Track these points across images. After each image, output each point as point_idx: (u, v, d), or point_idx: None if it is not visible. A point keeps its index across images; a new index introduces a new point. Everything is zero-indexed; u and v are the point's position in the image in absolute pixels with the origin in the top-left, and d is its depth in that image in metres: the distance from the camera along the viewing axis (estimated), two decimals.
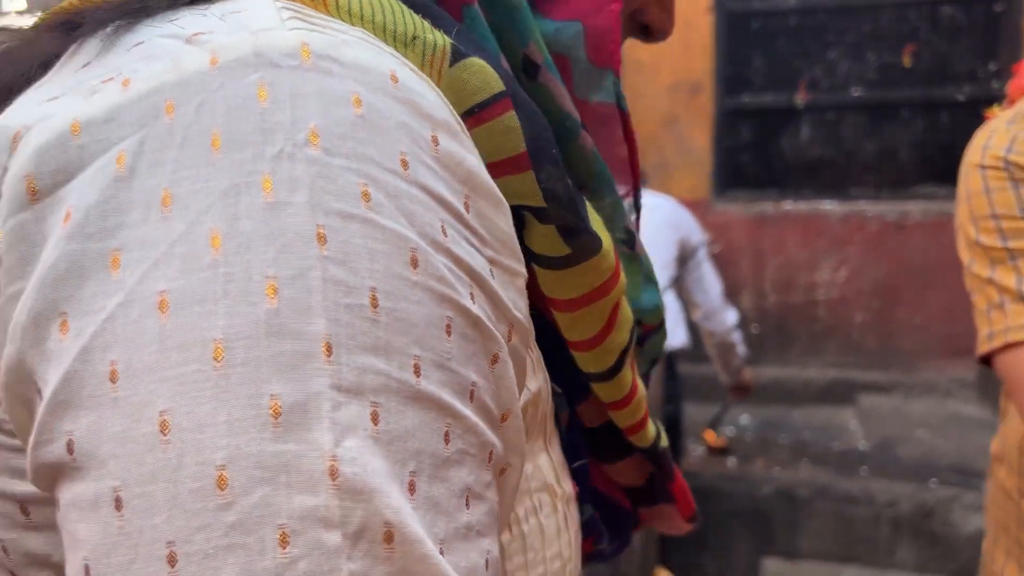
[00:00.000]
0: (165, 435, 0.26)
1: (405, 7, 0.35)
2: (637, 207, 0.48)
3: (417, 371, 0.29)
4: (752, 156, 4.72)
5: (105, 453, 0.27)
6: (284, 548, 0.26)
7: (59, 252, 0.28)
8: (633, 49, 4.67)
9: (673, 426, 2.91)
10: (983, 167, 0.96)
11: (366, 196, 0.29)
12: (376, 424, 0.28)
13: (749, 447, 3.46)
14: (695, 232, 3.05)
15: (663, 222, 2.88)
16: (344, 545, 0.26)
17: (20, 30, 0.39)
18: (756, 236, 4.56)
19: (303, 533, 0.26)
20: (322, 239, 0.28)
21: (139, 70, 0.30)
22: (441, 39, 0.35)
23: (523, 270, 0.36)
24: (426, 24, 0.35)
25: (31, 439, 0.29)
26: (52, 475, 0.29)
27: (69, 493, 0.28)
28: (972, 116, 3.99)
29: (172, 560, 0.26)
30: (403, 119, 0.31)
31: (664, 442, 0.55)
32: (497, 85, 0.35)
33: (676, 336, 2.84)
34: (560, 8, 0.42)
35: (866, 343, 4.30)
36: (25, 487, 0.32)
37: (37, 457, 0.29)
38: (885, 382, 4.13)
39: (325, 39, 0.31)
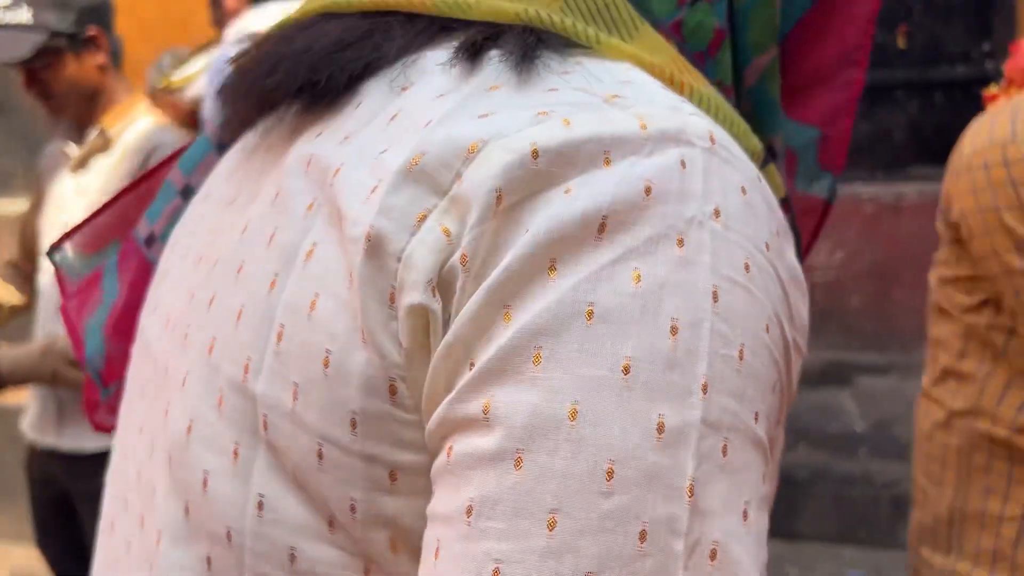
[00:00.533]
0: (572, 421, 0.32)
1: (731, 109, 0.41)
2: None
3: (756, 418, 0.35)
4: None
5: (517, 420, 0.32)
6: (641, 543, 0.30)
7: (515, 255, 0.34)
8: None
9: None
10: None
11: (747, 268, 0.35)
12: (725, 456, 0.33)
13: None
14: None
15: None
16: (683, 554, 0.31)
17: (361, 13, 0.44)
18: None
19: (658, 535, 0.31)
20: (715, 297, 0.34)
21: (574, 115, 0.36)
22: (759, 145, 0.41)
23: (805, 352, 0.41)
24: (747, 127, 0.41)
25: (449, 397, 0.34)
26: (451, 428, 0.34)
27: (468, 444, 0.33)
28: (966, 97, 3.99)
29: (552, 525, 0.31)
30: (764, 211, 0.38)
31: None
32: (783, 190, 0.42)
33: None
34: (802, 112, 0.49)
35: (863, 325, 4.31)
36: (402, 456, 0.36)
37: (450, 411, 0.34)
38: (882, 363, 4.14)
39: (722, 132, 0.38)
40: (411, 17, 0.43)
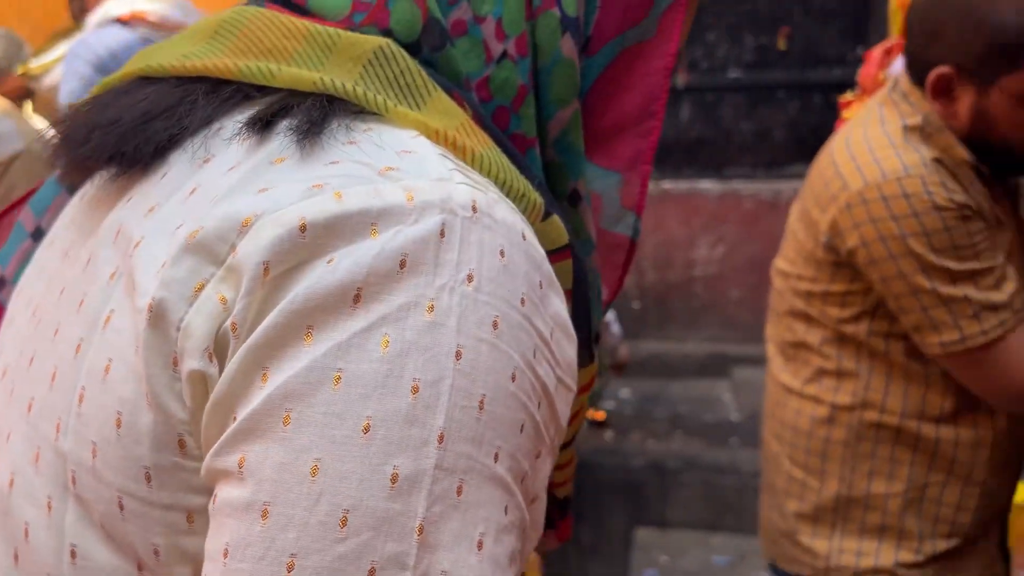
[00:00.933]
0: (314, 477, 0.36)
1: (513, 167, 0.45)
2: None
3: (496, 458, 0.38)
4: None
5: (265, 475, 0.36)
6: None
7: (274, 321, 0.37)
8: None
9: None
10: (938, 208, 1.19)
11: (495, 325, 0.39)
12: (459, 496, 0.37)
13: (627, 420, 3.51)
14: None
15: None
16: None
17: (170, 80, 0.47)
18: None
19: (386, 570, 0.35)
20: (459, 356, 0.38)
21: (346, 189, 0.39)
22: (538, 198, 0.45)
23: (575, 388, 0.46)
24: (527, 184, 0.45)
25: (212, 450, 0.38)
26: (214, 478, 0.38)
27: (227, 494, 0.37)
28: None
29: (291, 567, 0.35)
30: (527, 268, 0.41)
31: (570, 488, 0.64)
32: (564, 238, 0.46)
33: None
34: (606, 159, 0.53)
35: (741, 317, 4.42)
36: (196, 499, 0.40)
37: (213, 463, 0.38)
38: (758, 355, 4.26)
39: (485, 198, 0.41)
40: (218, 84, 0.46)
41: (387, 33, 0.47)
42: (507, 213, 0.42)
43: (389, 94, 0.45)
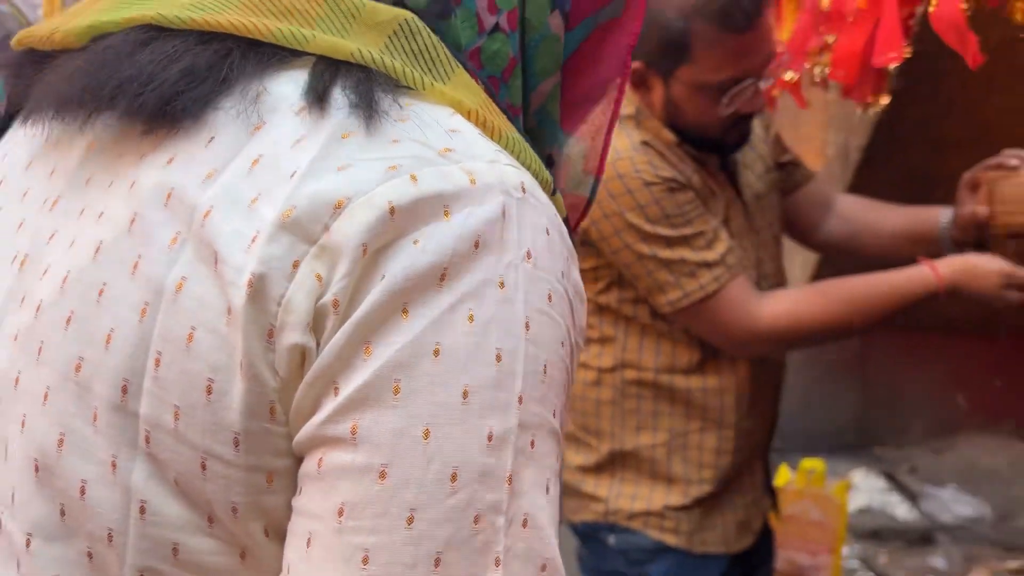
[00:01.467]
0: (426, 440, 0.40)
1: (528, 145, 0.48)
2: None
3: (555, 414, 0.45)
4: None
5: (381, 440, 0.40)
6: (475, 524, 0.40)
7: (374, 299, 0.41)
8: None
9: None
10: (647, 184, 1.35)
11: (550, 298, 0.44)
12: (532, 448, 0.43)
13: None
14: None
15: None
16: (504, 526, 0.41)
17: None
18: None
19: (487, 517, 0.41)
20: (527, 327, 0.43)
21: (419, 171, 0.42)
22: (550, 178, 0.49)
23: (583, 346, 0.53)
24: (540, 161, 0.49)
25: (319, 419, 0.41)
26: (320, 444, 0.41)
27: (338, 459, 0.41)
28: None
29: (410, 520, 0.40)
30: (560, 244, 0.46)
31: None
32: (564, 213, 0.50)
33: None
34: (573, 127, 0.58)
35: None
36: (278, 462, 0.43)
37: (320, 430, 0.41)
38: None
39: (529, 179, 0.46)
40: (251, 43, 0.45)
41: (400, 3, 0.48)
42: (543, 195, 0.47)
43: (420, 66, 0.47)
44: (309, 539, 0.41)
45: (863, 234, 1.58)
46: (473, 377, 0.41)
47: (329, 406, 0.41)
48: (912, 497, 2.69)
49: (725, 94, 1.30)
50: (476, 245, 0.42)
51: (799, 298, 1.47)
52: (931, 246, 1.46)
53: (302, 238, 0.41)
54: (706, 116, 1.34)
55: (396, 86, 0.45)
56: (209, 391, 0.42)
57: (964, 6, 1.00)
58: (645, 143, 1.37)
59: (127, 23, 0.47)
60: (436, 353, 0.41)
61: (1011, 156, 1.38)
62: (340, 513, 0.40)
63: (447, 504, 0.40)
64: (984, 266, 1.33)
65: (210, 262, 0.42)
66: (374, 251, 0.41)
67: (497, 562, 0.41)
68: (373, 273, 0.41)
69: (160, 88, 0.44)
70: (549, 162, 0.56)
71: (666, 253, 1.35)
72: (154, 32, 0.46)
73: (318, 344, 0.41)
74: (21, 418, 0.47)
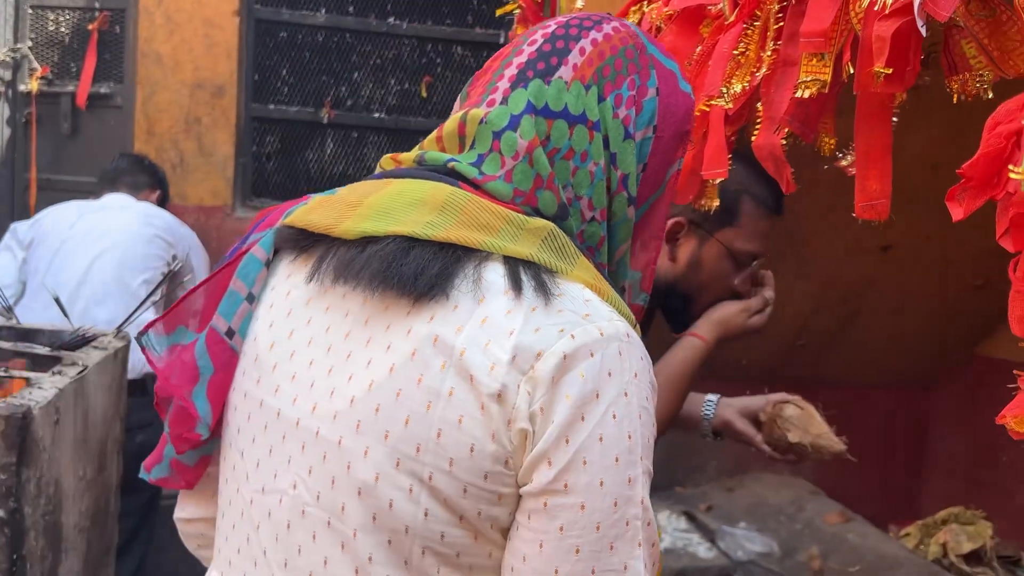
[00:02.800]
0: (601, 487, 0.74)
1: (620, 299, 0.83)
2: None
3: (651, 462, 0.79)
4: (277, 165, 4.70)
5: (580, 489, 0.74)
6: (627, 526, 0.76)
7: (565, 412, 0.74)
8: (151, 42, 4.38)
9: (144, 455, 2.73)
10: None
11: (648, 399, 0.78)
12: (647, 482, 0.78)
13: None
14: (193, 249, 2.96)
15: (160, 232, 2.75)
16: (641, 526, 0.77)
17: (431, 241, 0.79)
18: None
19: (632, 523, 0.76)
20: (641, 417, 0.77)
21: (575, 330, 0.75)
22: (632, 316, 0.83)
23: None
24: (626, 306, 0.83)
25: (547, 480, 0.74)
26: (545, 492, 0.75)
27: (557, 500, 0.74)
28: None
29: (598, 528, 0.74)
30: (647, 366, 0.80)
31: None
32: (639, 331, 0.84)
33: None
34: (634, 263, 0.93)
35: None
36: (505, 489, 0.77)
37: (547, 486, 0.75)
38: None
39: (629, 328, 0.79)
40: (467, 248, 0.78)
41: (537, 211, 0.82)
42: (635, 334, 0.80)
43: (561, 257, 0.80)
44: (541, 544, 0.74)
45: None
46: (619, 449, 0.74)
47: (548, 473, 0.74)
48: (710, 536, 2.89)
49: (743, 266, 1.52)
50: (609, 374, 0.75)
51: None
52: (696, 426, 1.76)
53: (519, 372, 0.74)
54: (720, 281, 1.53)
55: (551, 272, 0.78)
56: (472, 449, 0.74)
57: (782, 140, 1.13)
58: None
59: (391, 233, 0.78)
60: (600, 439, 0.74)
61: (790, 397, 1.71)
62: (561, 529, 0.74)
63: (613, 518, 0.74)
64: (727, 311, 1.56)
65: (467, 379, 0.74)
66: (557, 380, 0.73)
67: (639, 544, 0.76)
68: (560, 393, 0.73)
69: (426, 276, 0.76)
70: (622, 291, 0.92)
71: None
72: (410, 242, 0.78)
73: (534, 432, 0.73)
74: (347, 464, 0.78)
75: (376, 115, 4.70)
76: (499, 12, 2.51)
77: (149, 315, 2.57)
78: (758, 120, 1.16)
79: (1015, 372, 0.72)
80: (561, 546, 0.73)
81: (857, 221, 1.03)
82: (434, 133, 0.89)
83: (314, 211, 0.85)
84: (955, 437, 3.48)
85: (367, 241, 0.79)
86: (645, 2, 1.59)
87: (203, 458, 0.94)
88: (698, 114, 1.27)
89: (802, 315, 3.25)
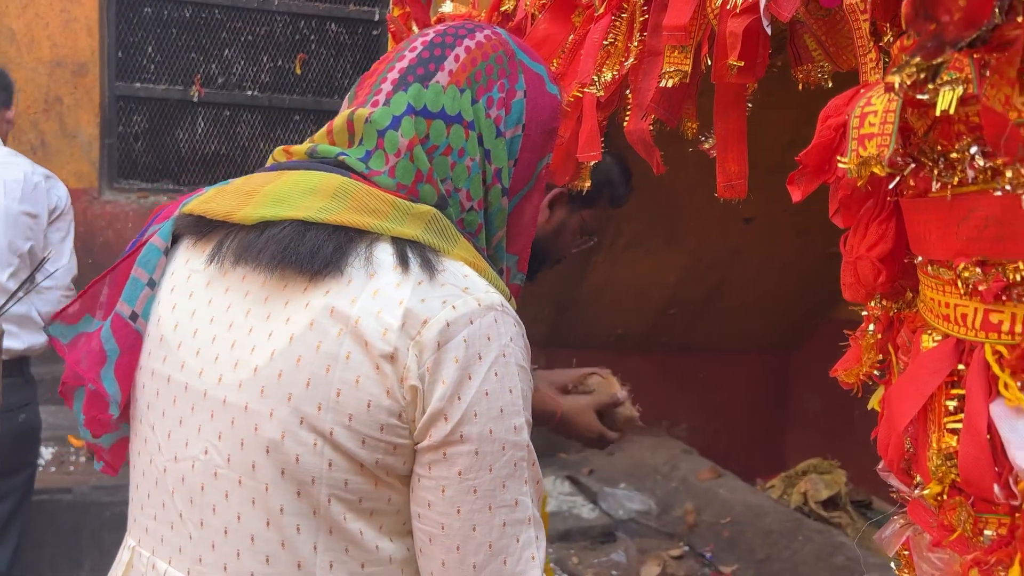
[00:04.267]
0: (491, 434, 0.84)
1: (495, 274, 0.92)
2: None
3: (530, 414, 0.90)
4: (146, 145, 4.55)
5: (474, 438, 0.83)
6: (515, 467, 0.86)
7: (454, 373, 0.83)
8: (3, 16, 4.15)
9: (30, 435, 2.67)
10: None
11: (523, 359, 0.88)
12: (528, 430, 0.89)
13: None
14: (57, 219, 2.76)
15: (28, 207, 2.62)
16: (527, 465, 0.88)
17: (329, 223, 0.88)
18: None
19: (519, 464, 0.86)
20: (519, 374, 0.87)
21: (456, 302, 0.84)
22: (507, 290, 0.92)
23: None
24: (501, 281, 0.92)
25: (444, 433, 0.83)
26: (444, 444, 0.84)
27: (455, 449, 0.83)
28: None
29: (491, 469, 0.85)
30: (519, 331, 0.89)
31: None
32: (514, 304, 0.94)
33: (30, 336, 2.58)
34: (511, 248, 1.03)
35: None
36: (399, 440, 0.85)
37: (445, 438, 0.84)
38: None
39: (502, 299, 0.88)
40: (358, 230, 0.86)
41: (417, 200, 0.91)
42: (508, 305, 0.89)
43: (443, 238, 0.89)
44: (443, 488, 0.84)
45: None
46: (503, 401, 0.84)
47: (445, 427, 0.82)
48: (593, 498, 3.03)
49: (584, 236, 1.85)
50: (488, 338, 0.84)
51: None
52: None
53: (408, 336, 0.82)
54: (568, 244, 1.83)
55: (435, 251, 0.87)
56: (368, 405, 0.82)
57: (650, 125, 1.22)
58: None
59: (288, 218, 0.86)
60: (487, 394, 0.84)
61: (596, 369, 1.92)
62: (459, 474, 0.83)
63: (503, 460, 0.84)
64: (584, 422, 1.82)
65: (362, 344, 0.82)
66: (443, 344, 0.82)
67: (525, 482, 0.86)
68: (447, 356, 0.82)
69: (321, 255, 0.84)
70: (501, 271, 1.01)
71: None
72: (306, 225, 0.85)
73: (423, 389, 0.82)
74: (255, 426, 0.85)
75: (249, 93, 4.61)
76: None
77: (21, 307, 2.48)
78: (628, 107, 1.25)
79: (845, 332, 0.83)
80: (461, 488, 0.83)
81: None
82: (325, 128, 0.95)
83: (213, 199, 0.93)
84: (813, 395, 3.75)
85: (265, 226, 0.86)
86: None
87: (120, 440, 1.02)
88: (572, 100, 1.35)
89: (672, 285, 3.42)
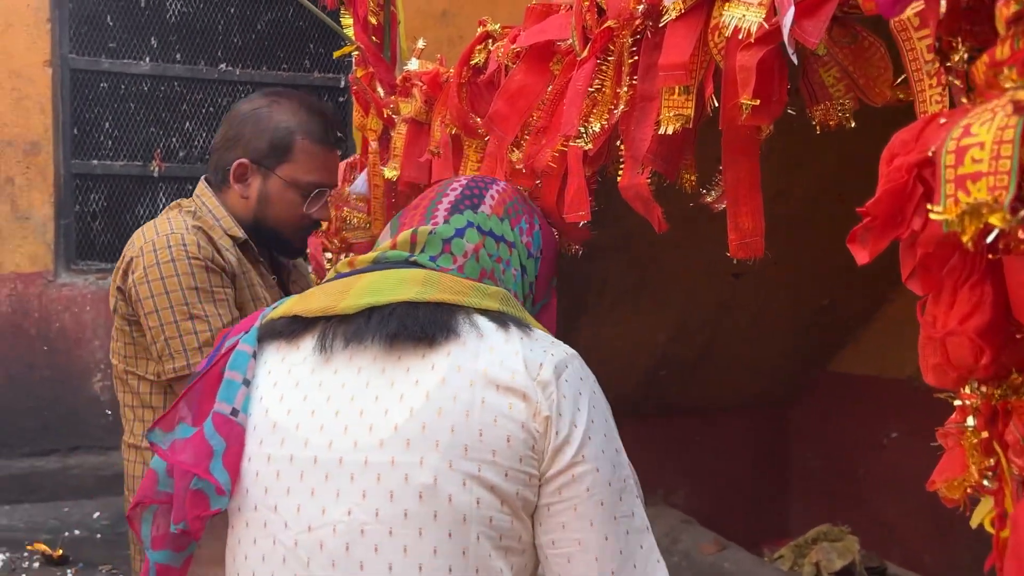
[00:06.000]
0: (604, 453, 1.01)
1: (545, 329, 1.12)
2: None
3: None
4: (104, 224, 4.37)
5: (590, 459, 0.98)
6: (624, 483, 1.00)
7: (568, 409, 0.99)
8: None
9: None
10: (191, 257, 1.60)
11: (602, 393, 1.06)
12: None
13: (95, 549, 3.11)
14: None
15: None
16: (634, 484, 1.03)
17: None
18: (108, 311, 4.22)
19: (627, 482, 1.02)
20: (607, 405, 1.05)
21: (554, 350, 1.02)
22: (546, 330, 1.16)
23: None
24: (547, 332, 1.12)
25: (568, 457, 0.97)
26: (569, 467, 0.97)
27: (579, 469, 0.97)
28: None
29: (610, 484, 0.99)
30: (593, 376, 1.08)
31: None
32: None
33: None
34: (543, 316, 1.25)
35: None
36: (532, 471, 0.97)
37: (571, 460, 0.97)
38: None
39: (570, 349, 1.05)
40: (456, 305, 1.03)
41: (463, 275, 1.09)
42: (573, 350, 1.05)
43: (519, 312, 1.06)
44: (575, 507, 0.95)
45: None
46: (605, 427, 0.99)
47: (570, 451, 0.95)
48: None
49: (310, 196, 1.69)
50: (581, 378, 1.00)
51: None
52: None
53: (531, 378, 0.96)
54: (290, 211, 1.71)
55: (517, 319, 1.03)
56: (508, 440, 0.95)
57: (647, 179, 1.07)
58: (198, 228, 1.64)
59: (393, 301, 1.01)
60: (593, 421, 0.97)
61: None
62: (587, 490, 0.95)
63: (616, 475, 0.97)
64: None
65: (494, 388, 0.96)
66: (557, 382, 0.97)
67: (636, 496, 0.99)
68: (560, 392, 0.96)
69: (439, 324, 0.99)
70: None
71: (185, 324, 1.57)
72: (413, 305, 1.01)
73: (553, 419, 0.95)
74: (405, 476, 0.95)
75: None
76: (337, 54, 2.40)
77: None
78: (621, 160, 1.10)
79: (936, 431, 0.66)
80: (591, 502, 0.95)
81: (707, 249, 0.99)
82: (387, 242, 1.12)
83: (303, 302, 1.08)
84: (814, 454, 3.58)
85: (371, 311, 1.02)
86: (490, 40, 1.52)
87: (187, 559, 1.09)
88: (556, 155, 1.20)
89: (661, 345, 3.27)
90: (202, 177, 1.80)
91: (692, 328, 3.20)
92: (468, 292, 1.03)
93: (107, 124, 4.38)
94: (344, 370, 1.01)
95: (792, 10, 0.76)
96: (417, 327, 0.98)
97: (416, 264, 1.07)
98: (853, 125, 0.93)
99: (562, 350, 1.01)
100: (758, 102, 0.86)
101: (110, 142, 4.39)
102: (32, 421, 3.99)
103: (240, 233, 1.70)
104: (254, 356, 1.08)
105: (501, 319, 1.01)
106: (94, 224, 4.35)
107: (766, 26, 0.82)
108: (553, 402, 0.95)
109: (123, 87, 4.40)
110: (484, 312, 1.02)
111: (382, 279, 1.04)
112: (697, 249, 2.48)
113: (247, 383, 1.06)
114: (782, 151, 2.21)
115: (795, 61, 0.81)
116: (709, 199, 1.09)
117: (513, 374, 0.96)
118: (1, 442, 3.95)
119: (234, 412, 1.05)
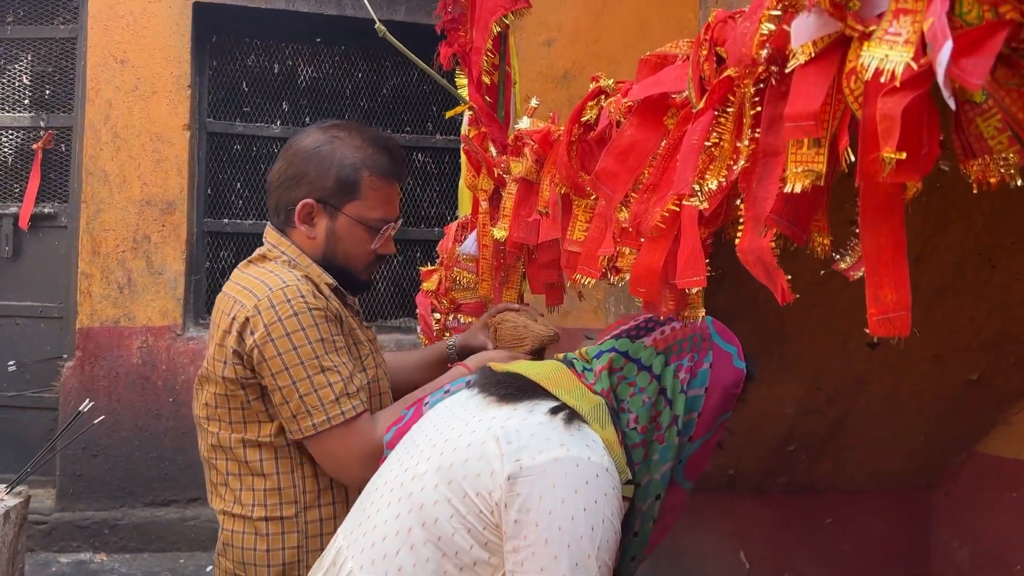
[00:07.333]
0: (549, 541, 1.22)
1: (624, 460, 1.31)
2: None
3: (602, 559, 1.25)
4: None
5: (534, 545, 1.22)
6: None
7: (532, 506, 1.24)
8: (97, 159, 4.23)
9: None
10: (311, 308, 1.59)
11: (614, 514, 1.24)
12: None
13: None
14: None
15: None
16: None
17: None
18: None
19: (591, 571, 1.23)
20: (603, 523, 1.23)
21: (575, 446, 1.23)
22: (628, 472, 1.31)
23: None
24: (627, 468, 1.31)
25: (506, 532, 1.21)
26: (516, 533, 1.21)
27: (519, 550, 1.21)
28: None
29: (556, 557, 1.21)
30: (618, 493, 1.26)
31: None
32: (631, 491, 1.34)
33: None
34: (690, 477, 1.42)
35: None
36: (490, 537, 1.23)
37: (513, 542, 1.22)
38: None
39: (610, 464, 1.25)
40: (546, 392, 1.33)
41: (595, 383, 1.37)
42: (614, 470, 1.24)
43: (594, 419, 1.28)
44: (522, 561, 1.19)
45: (395, 374, 1.89)
46: (587, 548, 1.20)
47: (521, 542, 1.19)
48: None
49: (376, 232, 1.68)
50: (553, 486, 1.19)
51: (394, 411, 1.64)
52: (443, 364, 1.97)
53: (511, 451, 1.25)
54: (359, 248, 1.69)
55: (585, 421, 1.27)
56: (479, 512, 1.21)
57: (771, 243, 0.95)
58: (307, 277, 1.63)
59: (517, 373, 1.39)
60: (537, 525, 1.19)
61: (510, 305, 1.94)
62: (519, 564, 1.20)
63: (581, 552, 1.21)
64: (495, 356, 1.77)
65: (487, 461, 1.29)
66: (524, 472, 1.24)
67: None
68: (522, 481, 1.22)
69: (512, 391, 1.35)
70: (657, 497, 1.35)
71: (319, 378, 1.55)
72: (522, 379, 1.36)
73: (507, 504, 1.19)
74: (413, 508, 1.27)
75: None
76: (449, 114, 2.38)
77: None
78: (740, 220, 0.99)
79: None
80: (535, 566, 1.21)
81: (842, 317, 0.84)
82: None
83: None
84: (959, 542, 3.26)
85: (505, 374, 1.37)
86: (603, 96, 1.44)
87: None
88: (667, 215, 1.10)
89: (789, 418, 3.06)
90: (267, 224, 1.76)
91: (823, 401, 2.98)
92: (570, 389, 1.31)
93: (238, 184, 4.54)
94: (469, 399, 1.38)
95: (949, 45, 0.64)
96: (503, 390, 1.33)
97: (568, 362, 1.40)
98: (1020, 183, 0.80)
99: (579, 451, 1.22)
100: (904, 156, 0.73)
101: (240, 201, 4.54)
102: (154, 471, 4.09)
103: (331, 279, 1.67)
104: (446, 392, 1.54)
105: (564, 408, 1.27)
106: (223, 280, 4.49)
107: (914, 67, 0.71)
108: (507, 485, 1.20)
109: (255, 149, 4.56)
110: (566, 405, 1.28)
111: (540, 364, 1.41)
112: (829, 315, 2.29)
113: (447, 392, 1.52)
114: (924, 210, 2.02)
115: (952, 107, 0.69)
116: (843, 265, 0.96)
117: (510, 443, 1.24)
118: (125, 491, 4.06)
119: (427, 405, 1.53)
